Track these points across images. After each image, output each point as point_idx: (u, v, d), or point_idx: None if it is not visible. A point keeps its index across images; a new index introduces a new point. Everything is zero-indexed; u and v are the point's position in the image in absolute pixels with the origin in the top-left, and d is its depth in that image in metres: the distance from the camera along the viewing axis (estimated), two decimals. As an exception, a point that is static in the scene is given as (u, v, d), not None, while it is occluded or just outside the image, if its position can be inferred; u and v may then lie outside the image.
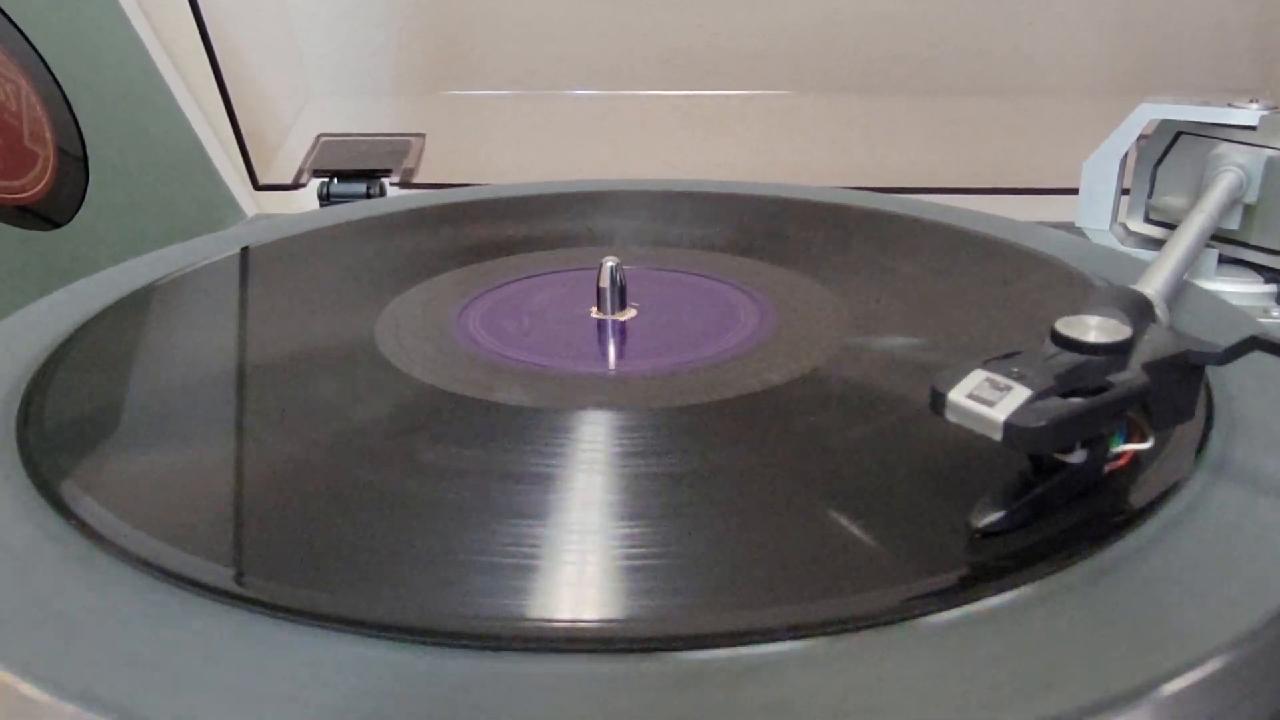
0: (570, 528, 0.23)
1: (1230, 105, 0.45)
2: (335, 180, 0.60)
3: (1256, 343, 0.23)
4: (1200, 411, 0.26)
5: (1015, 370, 0.21)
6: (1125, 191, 0.51)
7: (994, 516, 0.21)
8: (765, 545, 0.22)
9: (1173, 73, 0.65)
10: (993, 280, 0.39)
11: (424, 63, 0.69)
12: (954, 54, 0.66)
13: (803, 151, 0.67)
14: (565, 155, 0.68)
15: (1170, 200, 0.48)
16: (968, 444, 0.22)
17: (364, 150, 0.62)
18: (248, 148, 0.64)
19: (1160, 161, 0.49)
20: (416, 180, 0.61)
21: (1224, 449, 0.25)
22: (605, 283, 0.35)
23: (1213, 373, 0.28)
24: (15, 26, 0.50)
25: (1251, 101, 0.45)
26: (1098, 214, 0.50)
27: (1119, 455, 0.23)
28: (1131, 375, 0.22)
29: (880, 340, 0.33)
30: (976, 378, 0.21)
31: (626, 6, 0.66)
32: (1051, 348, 0.23)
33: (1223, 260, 0.45)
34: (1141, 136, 0.49)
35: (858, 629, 0.19)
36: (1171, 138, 0.48)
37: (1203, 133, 0.47)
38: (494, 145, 0.69)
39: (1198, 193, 0.44)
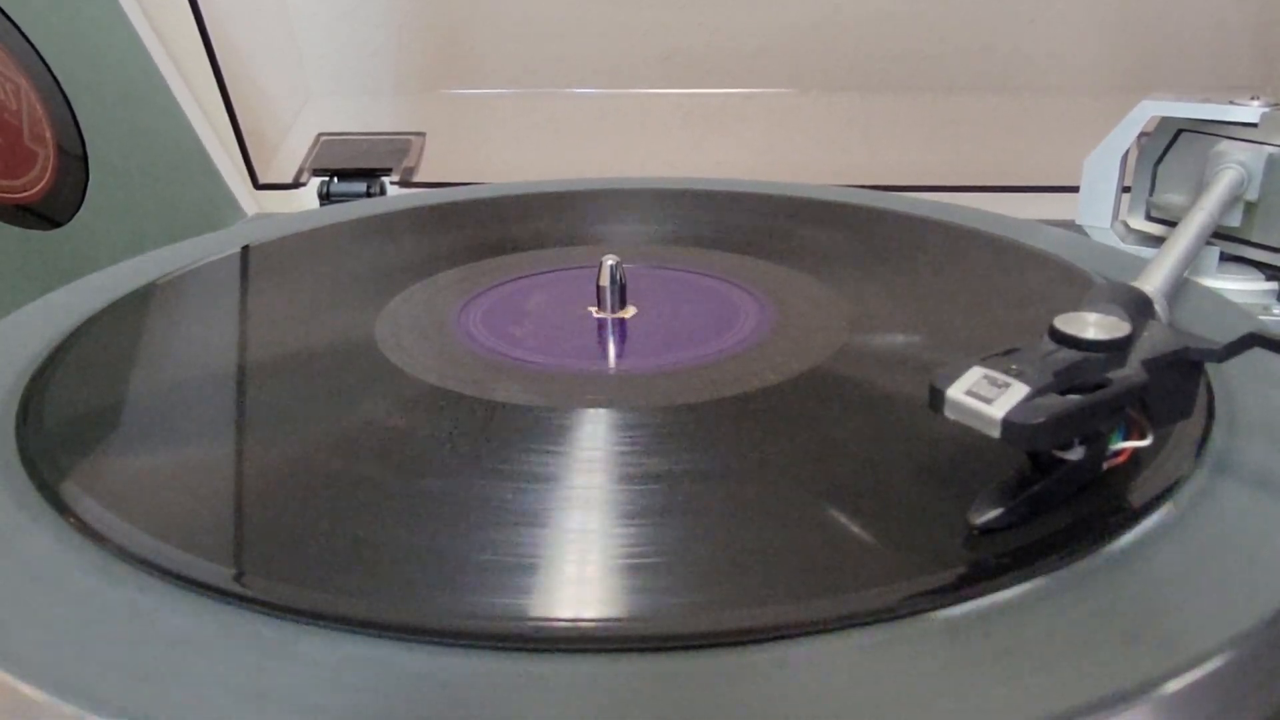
0: (570, 526, 0.23)
1: (1231, 102, 0.45)
2: (335, 179, 0.60)
3: (1255, 340, 0.23)
4: (1201, 409, 0.26)
5: (1013, 367, 0.21)
6: (1126, 189, 0.51)
7: (992, 514, 0.21)
8: (765, 543, 0.22)
9: (1174, 70, 0.65)
10: (993, 278, 0.39)
11: (424, 62, 0.69)
12: (955, 52, 0.66)
13: (803, 150, 0.67)
14: (565, 154, 0.68)
15: (1171, 198, 0.48)
16: (968, 442, 0.22)
17: (364, 149, 0.62)
18: (248, 147, 0.64)
19: (1161, 159, 0.49)
20: (417, 179, 0.61)
21: (1225, 446, 0.25)
22: (605, 281, 0.35)
23: (1214, 370, 0.28)
24: (15, 26, 0.50)
25: (1253, 98, 0.45)
26: (1098, 212, 0.50)
27: (1118, 452, 0.23)
28: (1130, 372, 0.22)
29: (881, 338, 0.33)
30: (975, 375, 0.21)
31: (627, 5, 0.66)
32: (1050, 344, 0.23)
33: (1224, 258, 0.45)
34: (1142, 134, 0.49)
35: (857, 627, 0.19)
36: (1172, 135, 0.48)
37: (1204, 130, 0.46)
38: (494, 144, 0.69)
39: (1199, 190, 0.44)
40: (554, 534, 0.22)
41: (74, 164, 0.52)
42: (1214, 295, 0.36)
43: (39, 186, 0.49)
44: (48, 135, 0.50)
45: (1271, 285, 0.44)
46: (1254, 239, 0.45)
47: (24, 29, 0.51)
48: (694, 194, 0.51)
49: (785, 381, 0.29)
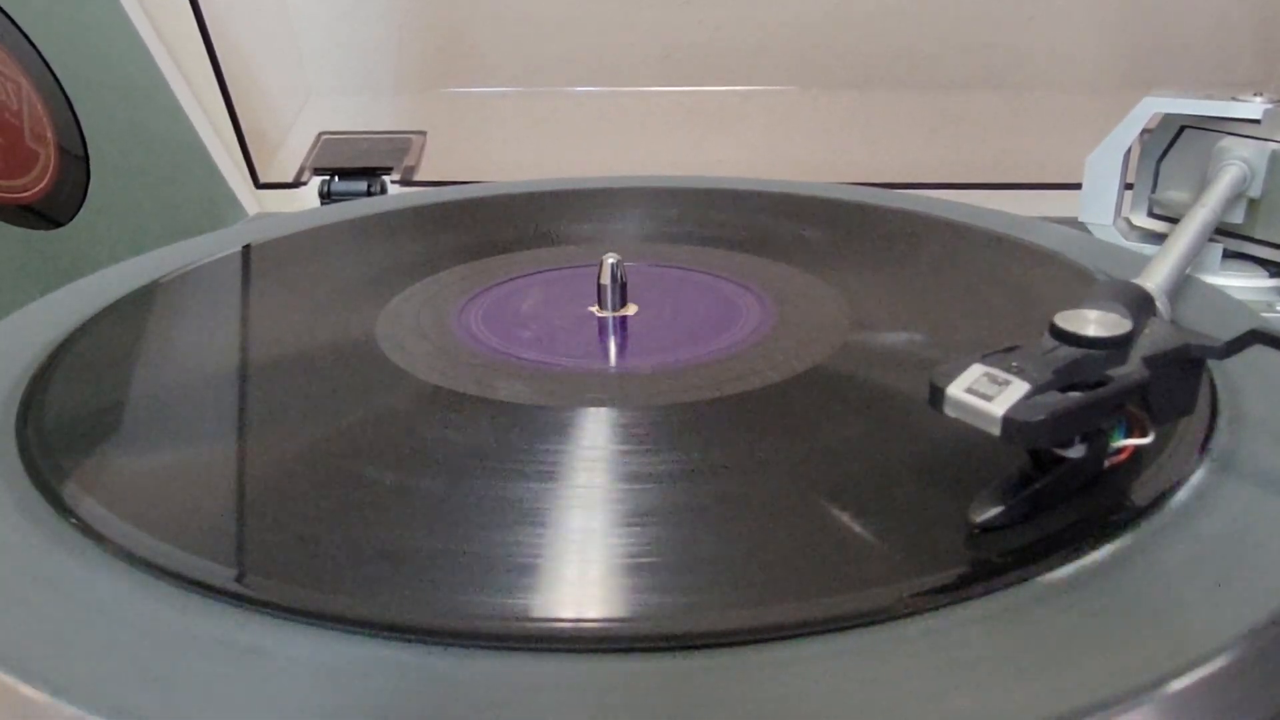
0: (571, 525, 0.23)
1: (1234, 99, 0.45)
2: (336, 178, 0.60)
3: (1256, 336, 0.23)
4: (1205, 407, 0.26)
5: (1014, 364, 0.21)
6: (1129, 186, 0.50)
7: (993, 511, 0.21)
8: (766, 542, 0.22)
9: (1176, 66, 0.64)
10: (995, 276, 0.39)
11: (425, 60, 0.69)
12: (956, 49, 0.66)
13: (804, 147, 0.67)
14: (566, 152, 0.68)
15: (1174, 195, 0.48)
16: (969, 440, 0.22)
17: (365, 148, 0.62)
18: (249, 146, 0.64)
19: (1164, 156, 0.49)
20: (417, 178, 0.61)
21: (1229, 445, 0.25)
22: (606, 279, 0.35)
23: (1218, 368, 0.28)
24: (16, 26, 0.50)
25: (1256, 95, 0.45)
26: (1101, 209, 0.50)
27: (1119, 450, 0.23)
28: (1131, 370, 0.22)
29: (882, 336, 0.33)
30: (975, 372, 0.21)
31: (627, 3, 0.66)
32: (1050, 342, 0.23)
33: (1227, 254, 0.45)
34: (1145, 131, 0.49)
35: (858, 626, 0.19)
36: (1175, 132, 0.48)
37: (1206, 126, 0.46)
38: (495, 142, 0.69)
39: (1201, 187, 0.44)
40: (554, 533, 0.22)
41: (75, 164, 0.52)
42: (1216, 292, 0.36)
43: (40, 186, 0.49)
44: (49, 135, 0.50)
45: (1274, 282, 0.44)
46: (1257, 235, 0.45)
47: (25, 29, 0.51)
48: (695, 192, 0.51)
49: (786, 380, 0.29)
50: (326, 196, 0.59)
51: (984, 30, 0.65)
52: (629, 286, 0.36)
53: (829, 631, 0.19)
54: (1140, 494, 0.23)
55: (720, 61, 0.68)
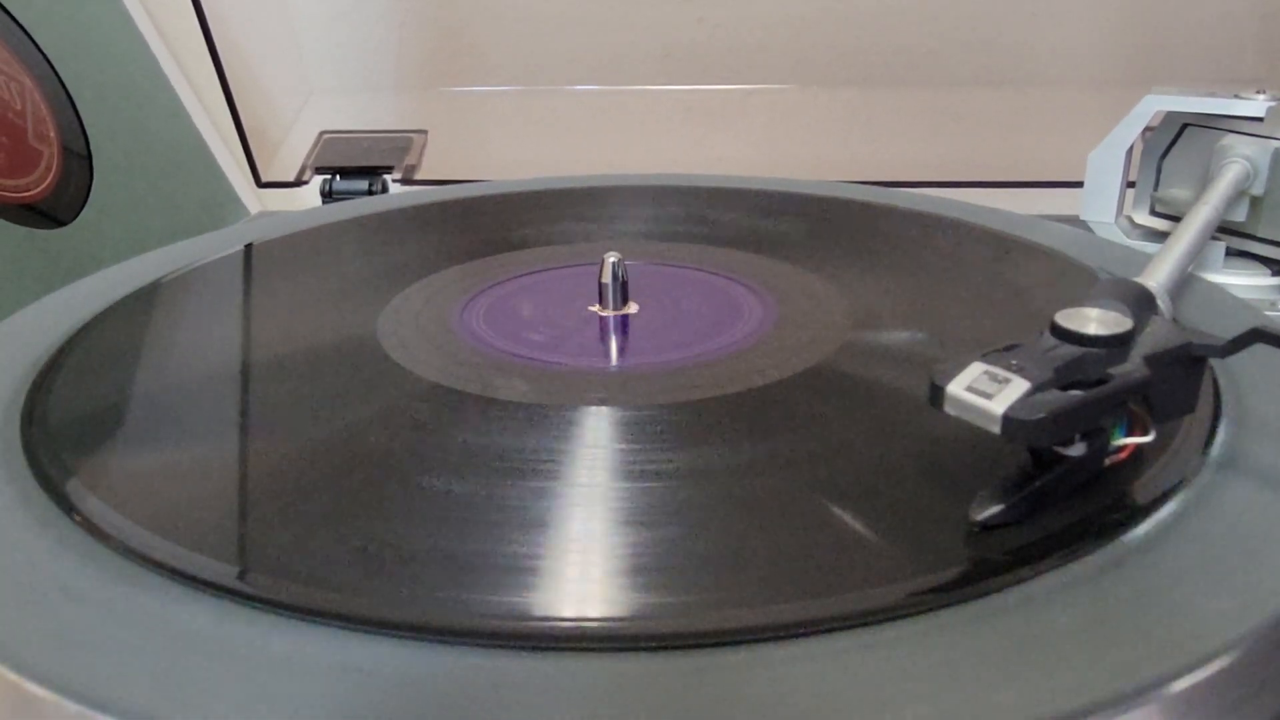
0: (572, 525, 0.23)
1: (1237, 96, 0.45)
2: (338, 177, 0.60)
3: (1258, 335, 0.23)
4: (1208, 406, 0.26)
5: (1014, 363, 0.21)
6: (1130, 184, 0.50)
7: (993, 510, 0.21)
8: (766, 541, 0.22)
9: (1178, 64, 0.64)
10: (996, 274, 0.39)
11: (426, 59, 0.69)
12: (957, 46, 0.66)
13: (805, 145, 0.67)
14: (567, 150, 0.68)
15: (1176, 193, 0.48)
16: (969, 438, 0.22)
17: (366, 147, 0.62)
18: (250, 145, 0.64)
19: (1166, 154, 0.49)
20: (419, 176, 0.61)
21: (1232, 444, 0.25)
22: (607, 278, 0.35)
23: (1221, 367, 0.28)
24: (19, 25, 0.50)
25: (1258, 92, 0.45)
26: (1102, 207, 0.50)
27: (1120, 448, 0.23)
28: (1132, 368, 0.22)
29: (883, 335, 0.33)
30: (975, 370, 0.21)
31: (628, 2, 0.66)
32: (1051, 340, 0.23)
33: (1229, 253, 0.45)
34: (1147, 128, 0.49)
35: (858, 626, 0.19)
36: (1177, 129, 0.48)
37: (1209, 124, 0.46)
38: (496, 141, 0.69)
39: (1203, 185, 0.44)
40: (556, 532, 0.22)
41: (78, 163, 0.52)
42: (1219, 290, 0.36)
43: (43, 186, 0.49)
44: (52, 134, 0.50)
45: (1277, 280, 0.44)
46: (1259, 234, 0.45)
47: (28, 29, 0.51)
48: (695, 190, 0.51)
49: (787, 379, 0.29)
50: (328, 195, 0.59)
51: (985, 28, 0.65)
52: (630, 285, 0.36)
53: (829, 631, 0.19)
54: (1141, 493, 0.23)
55: (720, 59, 0.68)
